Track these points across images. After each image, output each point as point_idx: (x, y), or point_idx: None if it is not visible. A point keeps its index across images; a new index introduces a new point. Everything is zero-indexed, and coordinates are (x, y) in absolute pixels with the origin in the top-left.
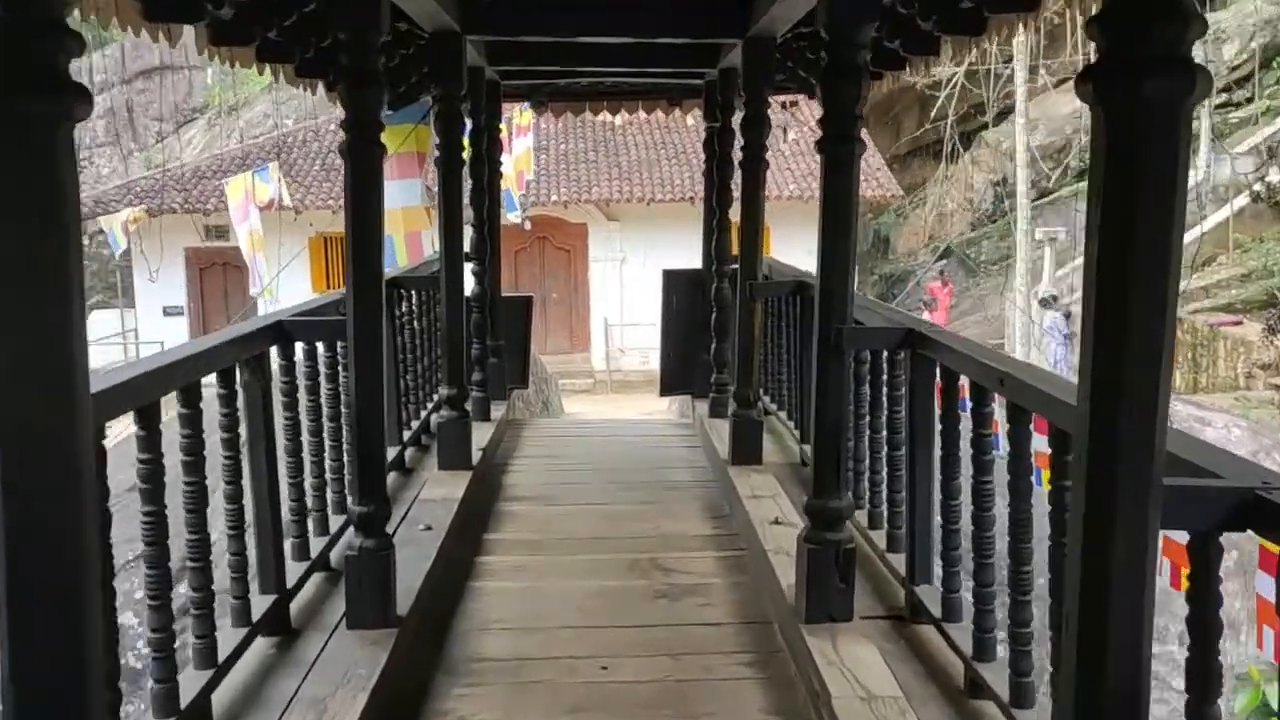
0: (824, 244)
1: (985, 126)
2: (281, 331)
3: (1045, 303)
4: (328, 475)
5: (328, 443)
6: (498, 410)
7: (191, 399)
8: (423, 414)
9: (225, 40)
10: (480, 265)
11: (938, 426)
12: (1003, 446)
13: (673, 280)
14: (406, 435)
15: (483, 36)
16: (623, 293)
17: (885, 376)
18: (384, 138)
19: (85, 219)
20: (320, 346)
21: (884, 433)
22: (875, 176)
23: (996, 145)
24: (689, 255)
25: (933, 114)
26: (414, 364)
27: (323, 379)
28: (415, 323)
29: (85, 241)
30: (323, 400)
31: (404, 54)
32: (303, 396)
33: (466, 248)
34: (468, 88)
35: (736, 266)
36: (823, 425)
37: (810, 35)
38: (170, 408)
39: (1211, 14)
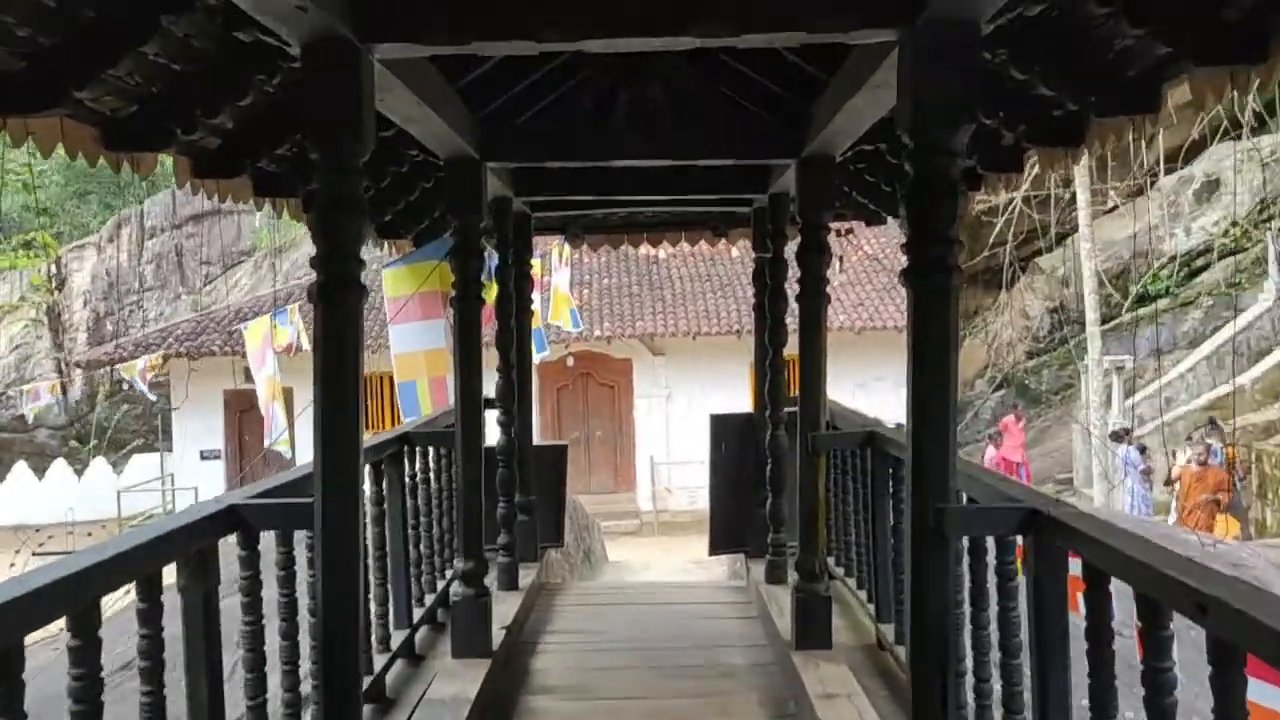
0: (916, 399)
1: (1039, 253)
2: (236, 519)
3: (1117, 436)
4: None
5: (281, 668)
6: (528, 574)
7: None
8: (439, 585)
9: (210, 172)
10: (506, 414)
11: (1082, 644)
12: None
13: (721, 426)
14: (418, 614)
15: (504, 164)
16: (668, 430)
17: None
18: (407, 275)
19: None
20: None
21: (990, 628)
22: None
23: (1052, 271)
24: (736, 391)
25: (990, 239)
26: (429, 529)
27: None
28: (432, 481)
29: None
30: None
31: (425, 186)
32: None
33: (492, 392)
34: (492, 219)
35: (795, 410)
36: (922, 631)
37: (872, 154)
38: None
39: None
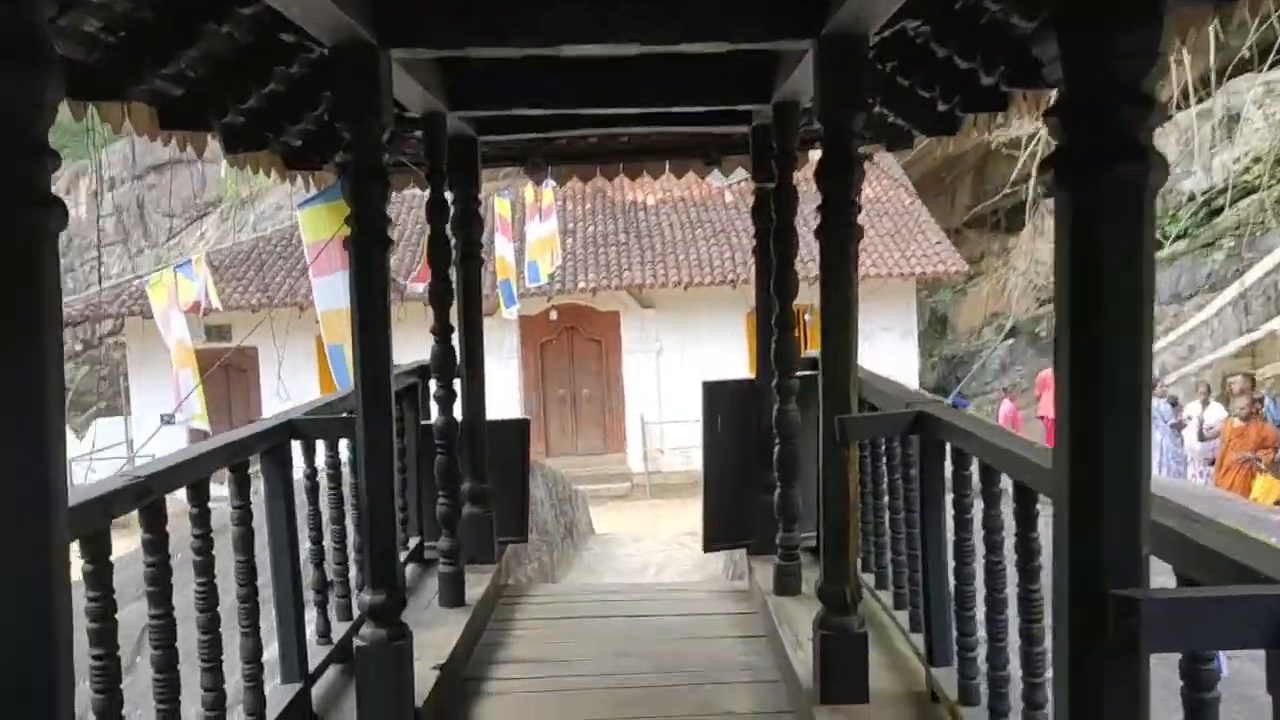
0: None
1: (1049, 194)
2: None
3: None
4: None
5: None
6: (481, 580)
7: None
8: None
9: (238, 147)
10: (444, 386)
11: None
12: None
13: (717, 396)
14: (318, 658)
15: (410, 52)
16: (659, 387)
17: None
18: (325, 215)
19: (77, 323)
20: None
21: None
22: (935, 252)
23: None
24: (732, 346)
25: (1012, 175)
26: (340, 542)
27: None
28: (349, 477)
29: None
30: None
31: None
32: None
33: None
34: (424, 146)
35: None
36: None
37: (904, 46)
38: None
39: None
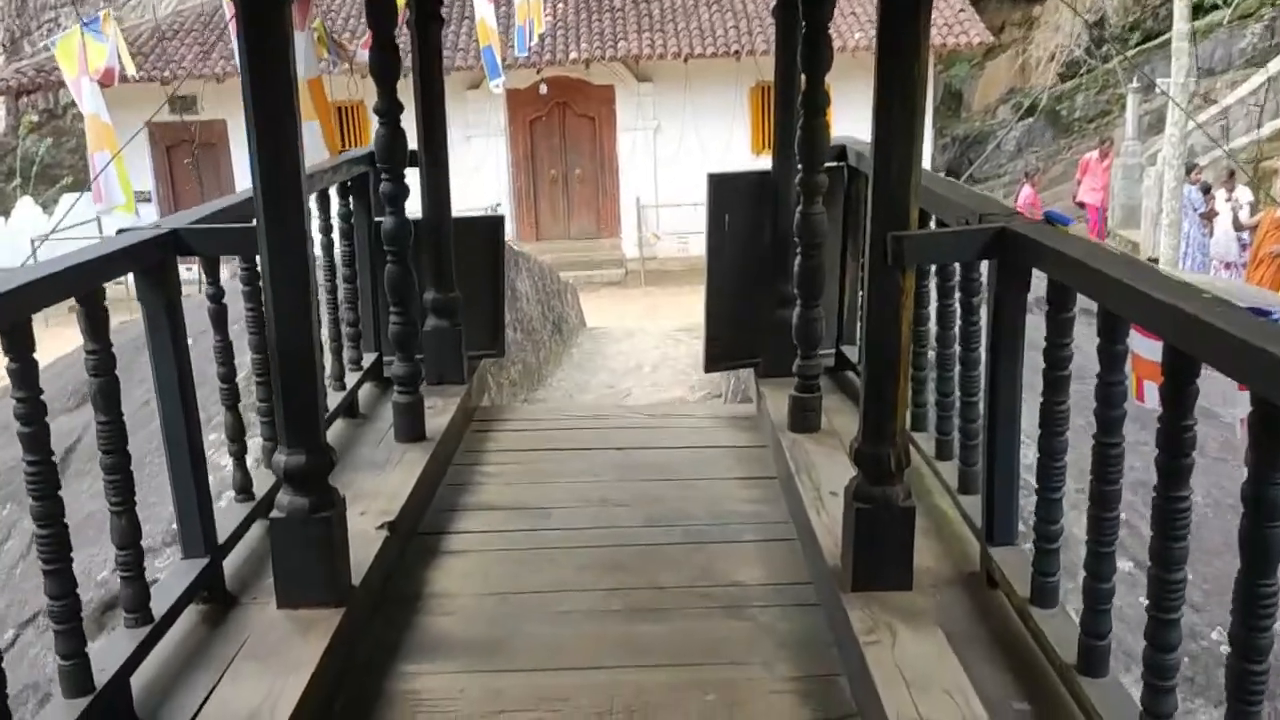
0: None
1: None
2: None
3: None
4: None
5: None
6: (446, 407)
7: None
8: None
9: None
10: (393, 179)
11: None
12: None
13: (724, 191)
14: (232, 527)
15: None
16: (656, 168)
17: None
18: None
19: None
20: None
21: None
22: (958, 20)
23: None
24: (735, 123)
25: None
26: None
27: None
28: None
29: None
30: None
31: None
32: None
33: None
34: None
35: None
36: None
37: None
38: None
39: None
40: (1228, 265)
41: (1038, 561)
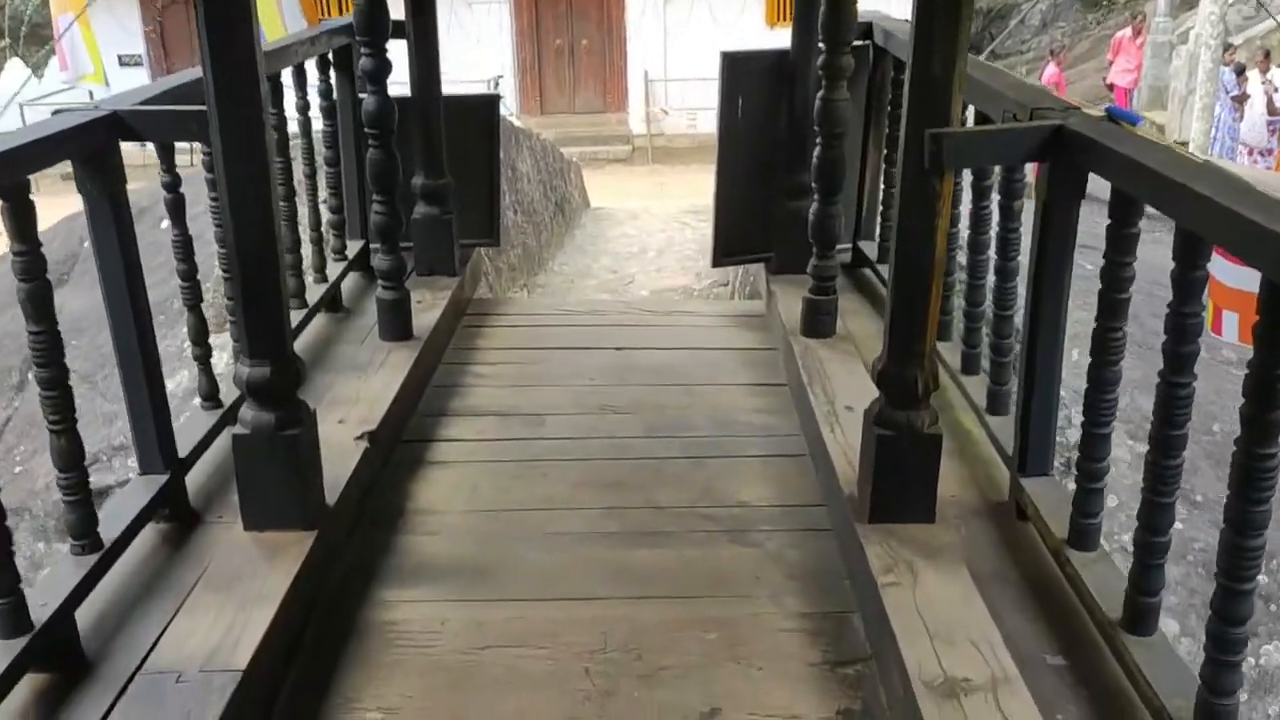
0: None
1: None
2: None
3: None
4: None
5: None
6: (436, 301)
7: None
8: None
9: None
10: (374, 52)
11: None
12: None
13: (739, 71)
14: (196, 438)
15: None
16: (666, 40)
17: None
18: None
19: None
20: None
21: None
22: None
23: None
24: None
25: None
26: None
27: None
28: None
29: None
30: None
31: None
32: None
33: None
34: None
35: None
36: None
37: None
38: None
39: None
40: (1261, 152)
41: (1080, 501)
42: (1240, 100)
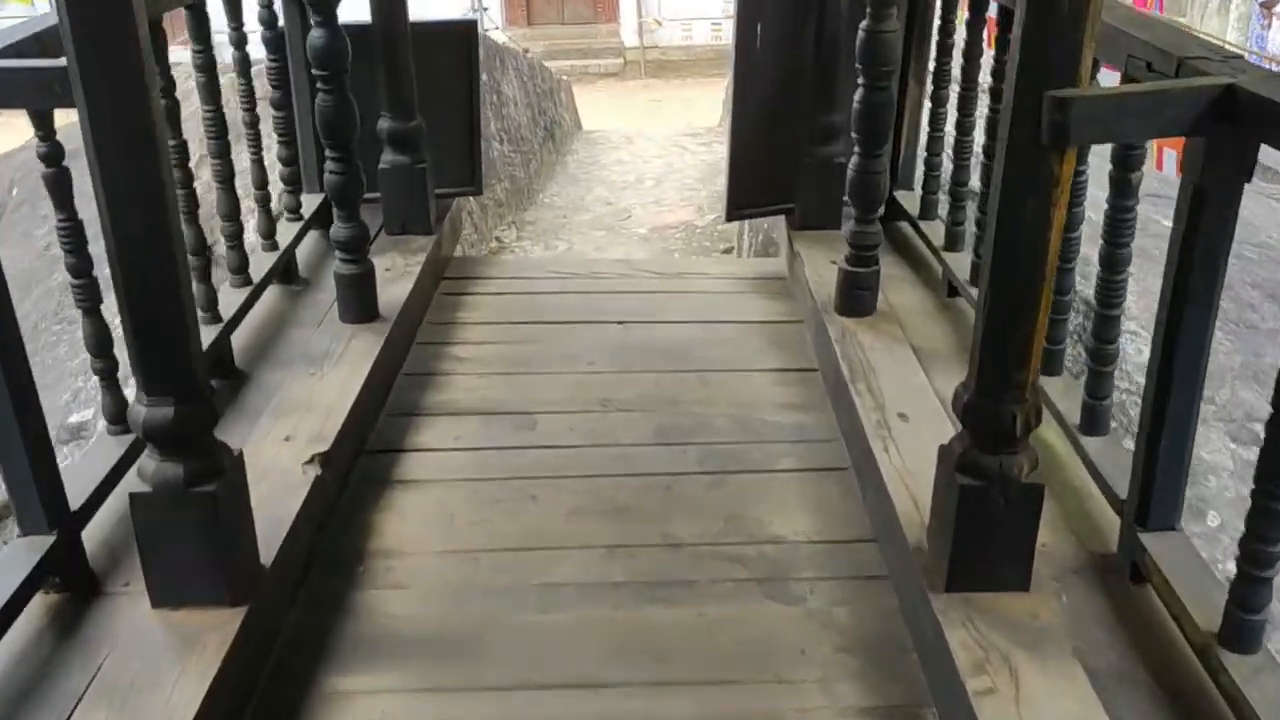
0: None
1: None
2: None
3: None
4: None
5: None
6: (405, 269)
7: None
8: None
9: None
10: None
11: None
12: None
13: None
14: (96, 482)
15: None
16: None
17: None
18: None
19: None
20: None
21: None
22: None
23: None
24: None
25: None
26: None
27: None
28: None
29: None
30: None
31: None
32: None
33: None
34: None
35: None
36: None
37: None
38: None
39: None
40: None
41: (1238, 589)
42: (1268, 7)
